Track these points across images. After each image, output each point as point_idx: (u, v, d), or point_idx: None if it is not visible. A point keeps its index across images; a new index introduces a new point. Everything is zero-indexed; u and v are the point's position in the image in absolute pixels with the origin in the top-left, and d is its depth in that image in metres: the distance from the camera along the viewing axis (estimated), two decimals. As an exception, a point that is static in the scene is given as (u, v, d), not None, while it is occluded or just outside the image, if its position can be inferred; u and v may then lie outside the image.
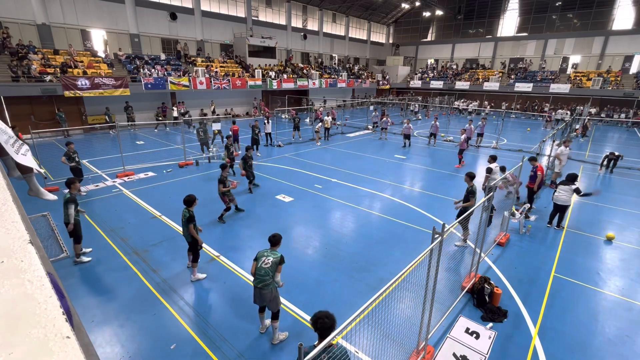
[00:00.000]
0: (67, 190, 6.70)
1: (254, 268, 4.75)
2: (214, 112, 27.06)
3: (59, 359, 0.64)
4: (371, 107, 35.92)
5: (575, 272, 6.90)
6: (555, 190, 8.63)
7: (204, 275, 6.46)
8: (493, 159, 9.53)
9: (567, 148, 11.84)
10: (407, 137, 18.61)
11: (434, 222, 9.03)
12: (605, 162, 14.54)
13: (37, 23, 21.49)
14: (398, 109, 39.12)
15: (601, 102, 33.02)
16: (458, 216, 7.70)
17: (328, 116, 20.40)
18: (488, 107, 35.57)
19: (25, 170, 1.78)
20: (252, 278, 4.74)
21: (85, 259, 6.86)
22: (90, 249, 7.28)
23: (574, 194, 8.31)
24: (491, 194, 6.27)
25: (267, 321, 5.18)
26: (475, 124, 18.71)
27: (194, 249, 6.25)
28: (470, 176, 7.58)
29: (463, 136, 15.07)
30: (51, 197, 2.11)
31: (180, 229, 8.39)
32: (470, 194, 7.51)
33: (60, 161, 10.33)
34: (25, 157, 1.71)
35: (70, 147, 10.21)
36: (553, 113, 29.91)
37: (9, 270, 0.83)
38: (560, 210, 8.59)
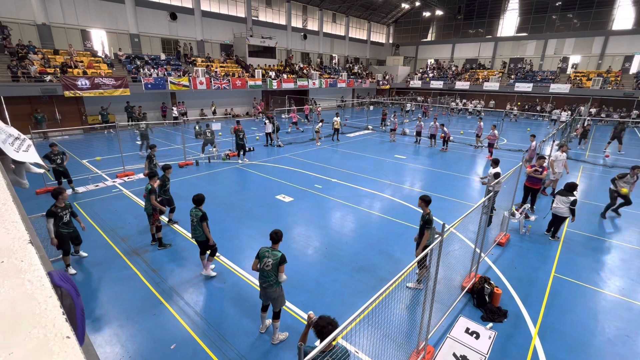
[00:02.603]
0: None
1: (255, 265, 4.74)
2: (214, 112, 27.08)
3: (59, 359, 0.64)
4: (371, 107, 35.99)
5: (575, 272, 6.90)
6: (553, 201, 8.21)
7: (214, 273, 6.50)
8: (496, 162, 9.13)
9: (564, 153, 10.84)
10: (418, 134, 19.81)
11: (434, 222, 9.01)
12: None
13: (37, 23, 21.49)
14: (397, 109, 39.13)
15: (601, 102, 33.03)
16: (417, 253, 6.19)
17: (337, 117, 20.23)
18: (515, 108, 34.29)
19: (18, 161, 1.78)
20: (252, 278, 4.75)
21: (71, 270, 6.57)
22: (86, 254, 7.13)
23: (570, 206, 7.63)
24: (491, 194, 6.27)
25: (268, 321, 5.19)
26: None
27: (210, 245, 6.27)
28: (426, 200, 6.01)
29: (495, 131, 16.03)
30: (25, 184, 2.12)
31: (182, 230, 8.39)
32: (426, 224, 5.92)
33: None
34: (27, 154, 1.70)
35: (53, 149, 10.03)
36: (586, 121, 22.85)
37: (9, 270, 0.83)
38: (557, 221, 8.08)
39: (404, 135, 22.37)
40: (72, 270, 6.60)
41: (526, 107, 36.07)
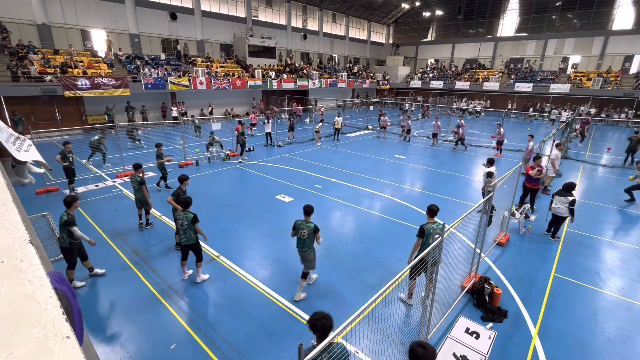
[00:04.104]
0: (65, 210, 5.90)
1: (293, 234, 5.74)
2: (211, 113, 27.08)
3: (59, 359, 0.64)
4: (371, 107, 36.03)
5: (575, 272, 6.90)
6: (551, 201, 8.17)
7: (207, 276, 6.45)
8: (490, 162, 9.08)
9: (561, 152, 11.34)
10: (407, 132, 20.80)
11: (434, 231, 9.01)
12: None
13: (37, 23, 21.50)
14: (395, 109, 39.16)
15: (601, 102, 33.05)
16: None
17: (339, 117, 20.31)
18: (532, 109, 33.36)
19: (20, 161, 1.78)
20: (252, 278, 4.77)
21: (78, 283, 6.13)
22: (104, 271, 6.57)
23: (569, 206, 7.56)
24: (491, 194, 6.27)
25: (315, 275, 6.35)
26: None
27: (198, 249, 6.21)
28: (431, 210, 5.49)
29: (501, 129, 16.52)
30: (31, 181, 2.10)
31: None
32: (418, 232, 5.46)
33: (55, 160, 10.20)
34: (28, 153, 1.71)
35: (67, 147, 10.05)
36: (585, 126, 22.32)
37: (9, 270, 0.83)
38: (557, 221, 8.04)
39: (407, 134, 22.32)
40: (78, 284, 6.14)
41: (525, 105, 36.10)
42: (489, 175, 8.82)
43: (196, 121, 20.69)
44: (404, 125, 22.36)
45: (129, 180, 8.18)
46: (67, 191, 10.58)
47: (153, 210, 9.45)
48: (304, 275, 5.83)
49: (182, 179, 7.35)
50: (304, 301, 5.83)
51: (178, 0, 27.78)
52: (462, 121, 19.10)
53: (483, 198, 6.31)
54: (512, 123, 30.94)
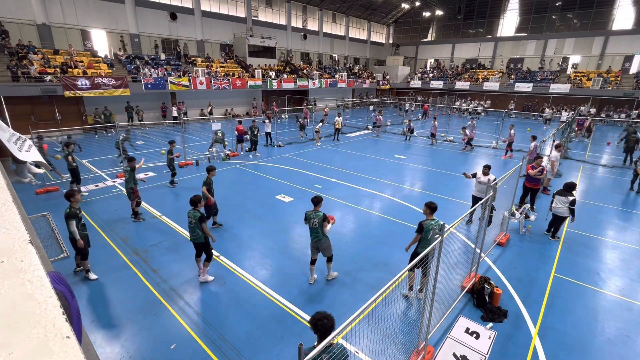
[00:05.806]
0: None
1: (305, 223, 6.05)
2: (211, 113, 27.07)
3: (59, 359, 0.64)
4: (371, 107, 36.05)
5: (575, 272, 6.90)
6: (552, 201, 8.15)
7: (211, 278, 6.40)
8: (488, 168, 8.77)
9: (560, 152, 11.31)
10: (411, 131, 21.23)
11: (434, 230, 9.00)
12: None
13: (37, 23, 21.50)
14: (395, 109, 39.16)
15: (601, 102, 33.05)
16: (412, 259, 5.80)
17: (339, 117, 20.34)
18: (546, 109, 30.41)
19: (20, 160, 1.79)
20: (252, 278, 4.81)
21: (92, 275, 6.33)
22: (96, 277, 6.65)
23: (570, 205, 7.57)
24: (491, 194, 6.27)
25: (315, 275, 6.37)
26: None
27: (207, 248, 6.21)
28: (431, 207, 5.58)
29: (512, 131, 16.49)
30: (31, 180, 2.12)
31: (182, 230, 8.39)
32: (418, 228, 5.54)
33: (59, 162, 10.22)
34: (29, 153, 1.71)
35: (71, 148, 10.23)
36: (590, 123, 23.25)
37: (9, 270, 0.83)
38: (557, 221, 8.04)
39: (410, 134, 22.33)
40: (93, 276, 6.32)
41: (524, 105, 36.07)
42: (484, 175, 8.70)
43: (186, 115, 21.54)
44: (376, 122, 22.89)
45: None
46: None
47: (153, 210, 9.46)
48: (329, 259, 6.26)
49: (210, 169, 8.21)
50: (303, 301, 5.83)
51: (178, 0, 27.78)
52: (474, 122, 18.90)
53: (472, 205, 6.32)
54: (512, 122, 30.89)
